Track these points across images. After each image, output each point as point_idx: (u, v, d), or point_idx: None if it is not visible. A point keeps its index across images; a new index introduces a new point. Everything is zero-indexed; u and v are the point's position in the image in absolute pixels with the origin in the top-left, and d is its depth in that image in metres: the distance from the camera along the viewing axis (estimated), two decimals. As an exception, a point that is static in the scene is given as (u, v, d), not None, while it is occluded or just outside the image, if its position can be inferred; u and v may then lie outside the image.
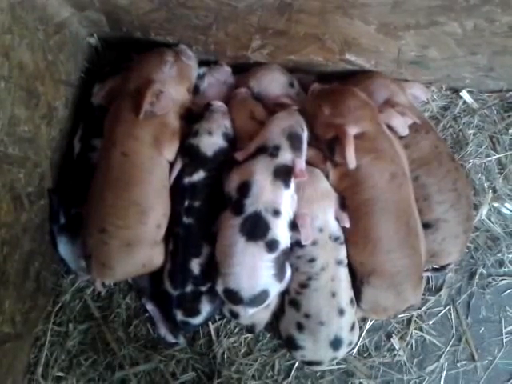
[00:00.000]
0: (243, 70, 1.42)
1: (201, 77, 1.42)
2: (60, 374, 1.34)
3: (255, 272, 1.16)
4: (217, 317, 1.38)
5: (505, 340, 1.32)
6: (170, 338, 1.37)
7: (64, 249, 1.33)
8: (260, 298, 1.19)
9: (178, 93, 1.31)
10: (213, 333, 1.38)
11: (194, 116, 1.33)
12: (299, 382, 1.34)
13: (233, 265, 1.16)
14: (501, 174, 1.39)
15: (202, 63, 1.42)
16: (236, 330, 1.39)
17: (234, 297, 1.18)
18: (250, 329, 1.34)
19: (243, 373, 1.35)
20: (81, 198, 1.28)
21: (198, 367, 1.37)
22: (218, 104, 1.34)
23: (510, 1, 0.93)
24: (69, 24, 1.30)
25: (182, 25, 1.25)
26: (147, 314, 1.39)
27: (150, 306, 1.37)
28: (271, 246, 1.17)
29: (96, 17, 1.29)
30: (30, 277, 1.27)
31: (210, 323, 1.38)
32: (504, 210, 1.37)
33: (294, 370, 1.34)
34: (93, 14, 1.28)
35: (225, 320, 1.39)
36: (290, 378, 1.34)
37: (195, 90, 1.41)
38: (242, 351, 1.37)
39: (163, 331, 1.37)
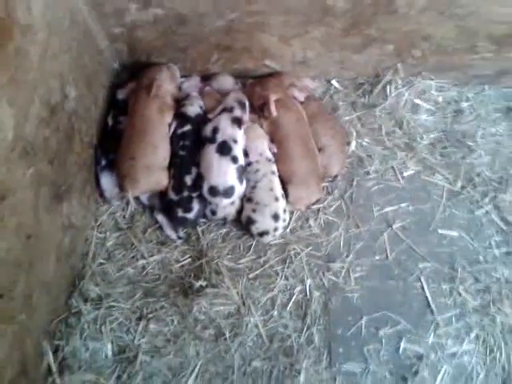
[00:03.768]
0: (207, 77, 2.39)
1: (182, 82, 2.37)
2: (102, 261, 2.07)
3: (226, 174, 2.03)
4: (201, 222, 2.19)
5: (375, 214, 2.19)
6: (174, 236, 2.14)
7: (105, 181, 2.13)
8: (230, 191, 2.03)
9: (170, 87, 2.24)
10: (200, 232, 2.16)
11: (180, 101, 2.26)
12: (257, 253, 2.12)
13: (213, 171, 2.03)
14: (360, 122, 2.38)
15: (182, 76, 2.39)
16: (214, 229, 2.18)
17: (214, 190, 2.02)
18: (224, 221, 2.16)
19: (221, 252, 2.11)
20: (114, 149, 2.11)
21: (192, 254, 2.12)
22: (195, 93, 2.28)
23: (337, 13, 1.94)
24: (104, 52, 2.23)
25: (171, 48, 2.21)
26: (157, 224, 2.17)
27: (159, 216, 2.15)
28: (234, 159, 2.05)
29: (121, 47, 2.23)
30: (84, 195, 2.05)
31: (198, 227, 2.17)
32: (364, 143, 2.33)
33: (252, 247, 2.13)
34: (119, 45, 2.21)
35: (207, 224, 2.19)
36: (251, 251, 2.13)
37: (179, 90, 2.35)
38: (219, 241, 2.15)
39: (169, 232, 2.14)
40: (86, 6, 1.94)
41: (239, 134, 2.11)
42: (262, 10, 1.94)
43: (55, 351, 1.83)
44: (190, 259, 2.12)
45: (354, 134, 2.34)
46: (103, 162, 2.14)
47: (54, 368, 1.78)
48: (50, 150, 1.71)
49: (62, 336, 1.86)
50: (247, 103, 2.20)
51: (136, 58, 2.30)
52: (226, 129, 2.09)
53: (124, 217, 2.20)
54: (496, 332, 1.95)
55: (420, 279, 2.07)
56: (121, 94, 2.26)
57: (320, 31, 2.04)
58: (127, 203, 2.21)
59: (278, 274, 2.08)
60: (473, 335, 1.96)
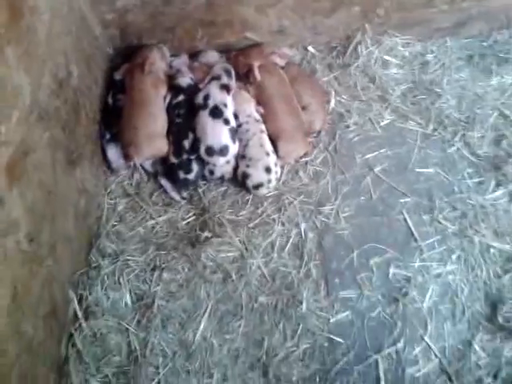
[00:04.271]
0: (194, 55, 2.62)
1: (172, 61, 2.59)
2: (115, 223, 2.28)
3: (220, 134, 2.25)
4: (202, 183, 2.40)
5: (358, 161, 2.39)
6: (178, 197, 2.36)
7: (110, 153, 2.34)
8: (225, 150, 2.25)
9: (162, 64, 2.47)
10: (201, 192, 2.37)
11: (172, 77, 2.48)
12: (254, 205, 2.33)
13: (208, 133, 2.25)
14: (336, 82, 2.60)
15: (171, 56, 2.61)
16: (214, 188, 2.39)
17: (210, 150, 2.24)
18: (221, 179, 2.38)
19: (222, 208, 2.33)
20: (116, 124, 2.34)
21: (195, 212, 2.33)
22: (185, 68, 2.51)
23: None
24: (99, 38, 2.45)
25: (159, 29, 2.44)
26: (162, 188, 2.38)
27: (163, 181, 2.36)
28: (226, 121, 2.28)
29: (113, 32, 2.45)
30: (93, 165, 2.27)
31: (198, 188, 2.38)
32: (342, 100, 2.55)
33: (250, 201, 2.35)
34: (112, 31, 2.44)
35: (206, 185, 2.40)
36: (249, 204, 2.34)
37: (170, 67, 2.57)
38: (219, 198, 2.35)
39: (173, 194, 2.35)
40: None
41: (228, 99, 2.34)
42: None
43: (79, 300, 2.03)
44: (194, 216, 2.33)
45: (333, 92, 2.57)
46: (107, 136, 2.36)
47: (80, 314, 1.99)
48: (61, 119, 1.94)
49: (85, 287, 2.07)
50: (233, 71, 2.43)
51: (128, 41, 2.52)
52: (215, 95, 2.32)
53: (131, 184, 2.41)
54: (475, 252, 2.17)
55: (402, 213, 2.29)
56: (117, 75, 2.48)
57: (291, -3, 2.29)
58: (133, 173, 2.42)
59: (274, 221, 2.29)
60: (455, 257, 2.17)
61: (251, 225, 2.29)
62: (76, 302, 2.00)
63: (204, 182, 2.41)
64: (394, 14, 2.43)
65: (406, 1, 2.34)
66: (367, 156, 2.44)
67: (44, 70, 1.80)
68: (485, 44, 2.64)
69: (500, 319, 2.01)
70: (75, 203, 2.05)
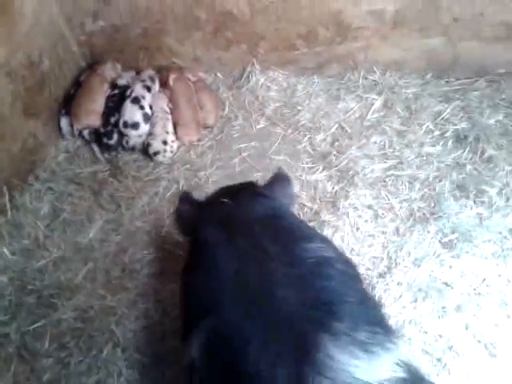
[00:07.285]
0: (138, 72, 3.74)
1: (123, 74, 3.71)
2: (54, 166, 3.29)
3: (134, 114, 3.26)
4: (121, 151, 3.39)
5: (233, 148, 3.35)
6: (101, 158, 3.34)
7: (63, 123, 3.39)
8: (136, 125, 3.24)
9: (111, 72, 3.59)
10: (119, 156, 3.35)
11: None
12: (153, 168, 3.27)
13: (126, 111, 3.27)
14: (232, 97, 3.62)
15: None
16: (128, 155, 3.36)
17: (126, 124, 3.25)
18: (133, 148, 3.35)
19: (130, 167, 3.29)
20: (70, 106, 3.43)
21: (111, 168, 3.30)
22: (128, 78, 3.62)
23: (203, 22, 3.31)
24: (75, 53, 3.63)
25: (114, 50, 3.57)
26: (94, 152, 3.38)
27: (93, 145, 3.38)
28: (141, 107, 3.29)
29: (85, 51, 3.63)
30: (48, 126, 3.32)
31: (118, 154, 3.37)
32: (234, 109, 3.55)
33: (151, 165, 3.31)
34: (84, 49, 3.61)
35: (123, 153, 3.37)
36: (149, 167, 3.28)
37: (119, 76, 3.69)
38: (131, 161, 3.32)
39: (98, 155, 3.34)
40: (62, 19, 3.36)
41: (147, 95, 3.40)
42: (163, 20, 3.32)
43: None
44: (109, 171, 3.26)
45: (227, 103, 3.57)
46: (63, 111, 3.42)
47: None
48: (25, 83, 3.02)
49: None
50: (157, 79, 3.52)
51: (94, 58, 3.68)
52: (138, 90, 3.38)
53: (73, 146, 3.43)
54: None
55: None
56: (81, 78, 3.62)
57: (198, 34, 3.39)
58: (76, 140, 3.46)
59: (163, 178, 3.20)
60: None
61: (146, 179, 3.22)
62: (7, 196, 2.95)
63: (121, 151, 3.39)
64: (271, 53, 3.47)
65: (277, 43, 3.39)
66: (241, 146, 3.35)
67: (19, 49, 2.92)
68: (342, 82, 3.61)
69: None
70: (24, 139, 3.07)
